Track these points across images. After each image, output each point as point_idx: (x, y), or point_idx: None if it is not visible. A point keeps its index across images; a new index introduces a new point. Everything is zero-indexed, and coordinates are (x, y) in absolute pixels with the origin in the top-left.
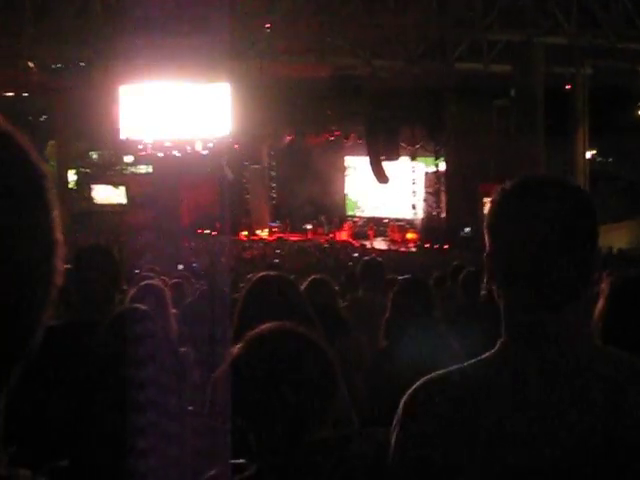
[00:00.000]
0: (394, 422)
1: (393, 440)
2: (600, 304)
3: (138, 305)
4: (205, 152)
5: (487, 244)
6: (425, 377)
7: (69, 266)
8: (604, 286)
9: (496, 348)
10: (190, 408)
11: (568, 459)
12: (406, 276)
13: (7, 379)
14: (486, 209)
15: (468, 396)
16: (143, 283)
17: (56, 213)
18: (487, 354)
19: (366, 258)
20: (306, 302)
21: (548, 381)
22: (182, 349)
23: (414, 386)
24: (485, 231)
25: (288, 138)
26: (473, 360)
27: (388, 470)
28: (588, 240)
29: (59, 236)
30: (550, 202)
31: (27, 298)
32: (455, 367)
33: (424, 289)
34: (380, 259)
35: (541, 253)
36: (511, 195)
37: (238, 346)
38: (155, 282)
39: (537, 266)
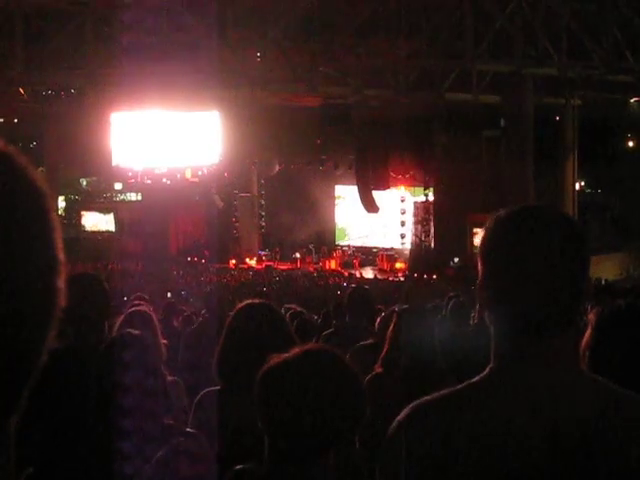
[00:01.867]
0: (383, 444)
1: (381, 463)
2: (587, 334)
3: (131, 331)
4: (195, 180)
5: (479, 271)
6: (415, 402)
7: None
8: (591, 317)
9: (484, 373)
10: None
11: None
12: (403, 306)
13: (17, 402)
14: (476, 239)
15: (457, 420)
16: (132, 309)
17: (58, 233)
18: (475, 379)
19: (354, 286)
20: (291, 330)
21: (531, 408)
22: (170, 378)
23: (405, 411)
24: (478, 258)
25: (278, 167)
26: (463, 385)
27: None
28: (579, 270)
29: (61, 255)
30: (543, 231)
31: (29, 316)
32: (445, 391)
33: (421, 318)
34: (367, 287)
35: (530, 280)
36: (505, 223)
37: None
38: (143, 308)
39: (526, 293)
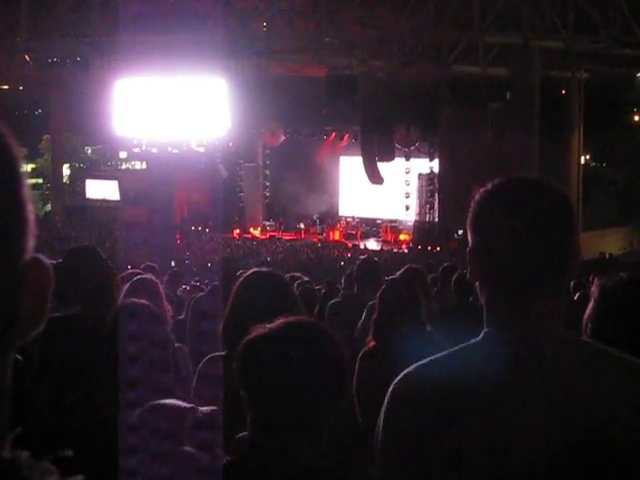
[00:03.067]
0: (381, 413)
1: (380, 432)
2: (590, 306)
3: (137, 300)
4: (200, 149)
5: (470, 240)
6: (412, 366)
7: (61, 261)
8: (594, 288)
9: (480, 337)
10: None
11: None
12: (393, 276)
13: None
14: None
15: (454, 385)
16: (137, 277)
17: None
18: (472, 341)
19: (363, 257)
20: (297, 297)
21: (527, 369)
22: (176, 345)
23: (400, 376)
24: (468, 228)
25: (283, 137)
26: (456, 348)
27: (376, 464)
28: (565, 235)
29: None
30: (529, 198)
31: None
32: (441, 355)
33: (411, 288)
34: (376, 259)
35: (520, 244)
36: (492, 192)
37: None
38: (148, 276)
39: (517, 256)
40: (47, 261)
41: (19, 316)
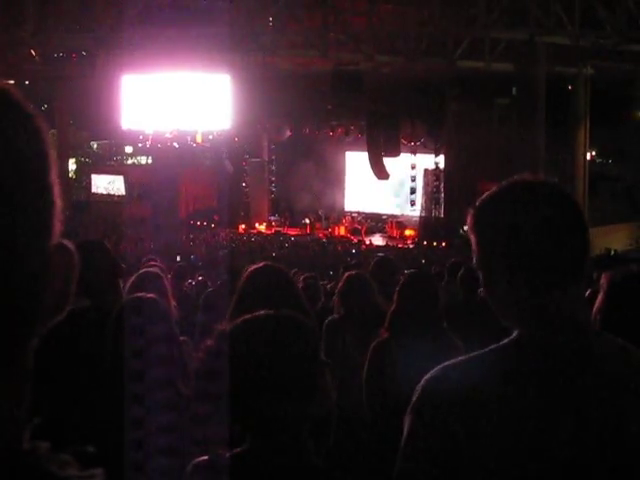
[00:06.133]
0: (408, 409)
1: (406, 427)
2: (599, 299)
3: (144, 294)
4: (205, 144)
5: (476, 250)
6: (443, 365)
7: None
8: (603, 281)
9: (509, 339)
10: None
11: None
12: (412, 270)
13: (29, 316)
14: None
15: (486, 389)
16: (142, 271)
17: (54, 164)
18: (502, 343)
19: (380, 254)
20: (299, 292)
21: (566, 368)
22: (181, 338)
23: (431, 373)
24: (472, 236)
25: (289, 132)
26: (486, 350)
27: (399, 457)
28: (578, 230)
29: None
30: (539, 194)
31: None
32: (472, 354)
33: (430, 283)
34: (392, 257)
35: (541, 236)
36: (498, 194)
37: (230, 325)
38: (154, 270)
39: (539, 247)
40: (72, 247)
41: (45, 301)
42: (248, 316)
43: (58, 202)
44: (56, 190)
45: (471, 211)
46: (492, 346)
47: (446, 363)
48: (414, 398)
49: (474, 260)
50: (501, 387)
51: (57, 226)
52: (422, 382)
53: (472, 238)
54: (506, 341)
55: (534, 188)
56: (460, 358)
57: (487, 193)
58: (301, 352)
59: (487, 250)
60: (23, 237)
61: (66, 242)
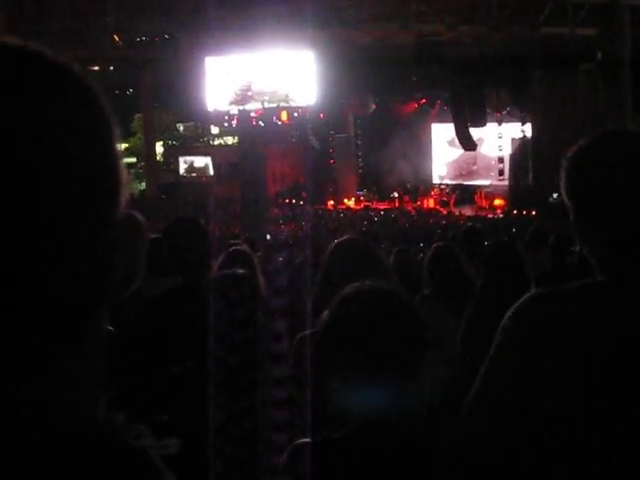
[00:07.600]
0: (499, 328)
1: (493, 347)
2: None
3: (236, 270)
4: (291, 122)
5: (572, 206)
6: (535, 291)
7: (163, 234)
8: None
9: (599, 279)
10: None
11: None
12: (498, 240)
13: (105, 277)
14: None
15: (575, 317)
16: (231, 249)
17: (117, 147)
18: (592, 281)
19: (470, 224)
20: (388, 265)
21: None
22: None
23: (524, 298)
24: (566, 194)
25: (373, 106)
26: (580, 283)
27: (478, 377)
28: None
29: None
30: (630, 149)
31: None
32: (566, 285)
33: (515, 252)
34: (480, 227)
35: (628, 199)
36: (591, 145)
37: (334, 302)
38: (243, 247)
39: (627, 211)
40: (140, 217)
41: (114, 270)
42: (357, 285)
43: (123, 172)
44: (121, 161)
45: (567, 159)
46: (587, 280)
47: (539, 290)
48: (505, 319)
49: (570, 215)
50: (598, 321)
51: (123, 196)
52: (515, 304)
53: (567, 189)
54: (602, 279)
55: (625, 134)
56: (549, 288)
57: (579, 144)
58: (411, 324)
59: (581, 209)
60: (89, 207)
61: (133, 212)
